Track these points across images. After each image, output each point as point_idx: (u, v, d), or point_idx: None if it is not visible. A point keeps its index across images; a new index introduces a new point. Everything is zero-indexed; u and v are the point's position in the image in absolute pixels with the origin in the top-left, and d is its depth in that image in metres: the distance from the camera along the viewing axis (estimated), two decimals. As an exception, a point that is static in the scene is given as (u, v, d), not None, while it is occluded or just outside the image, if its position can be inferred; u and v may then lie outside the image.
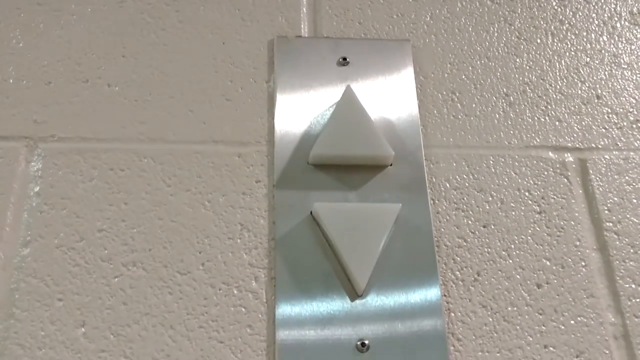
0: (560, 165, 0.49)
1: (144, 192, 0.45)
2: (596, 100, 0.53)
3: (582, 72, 0.54)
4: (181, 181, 0.45)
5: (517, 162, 0.49)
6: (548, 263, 0.45)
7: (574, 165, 0.50)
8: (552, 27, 0.56)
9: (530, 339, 0.42)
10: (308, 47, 0.52)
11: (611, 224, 0.47)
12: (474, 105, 0.51)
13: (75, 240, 0.42)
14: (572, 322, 0.43)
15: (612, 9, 0.58)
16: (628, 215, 0.48)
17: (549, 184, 0.48)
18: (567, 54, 0.55)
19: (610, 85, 0.54)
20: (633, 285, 0.45)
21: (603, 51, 0.56)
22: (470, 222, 0.46)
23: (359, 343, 0.40)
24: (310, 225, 0.44)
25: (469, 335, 0.42)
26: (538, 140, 0.50)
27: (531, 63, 0.54)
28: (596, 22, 0.57)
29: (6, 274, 0.41)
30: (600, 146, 0.51)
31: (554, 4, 0.58)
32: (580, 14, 0.57)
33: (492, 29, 0.56)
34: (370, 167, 0.46)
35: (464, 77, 0.53)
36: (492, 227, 0.46)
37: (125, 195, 0.44)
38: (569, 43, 0.56)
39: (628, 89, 0.54)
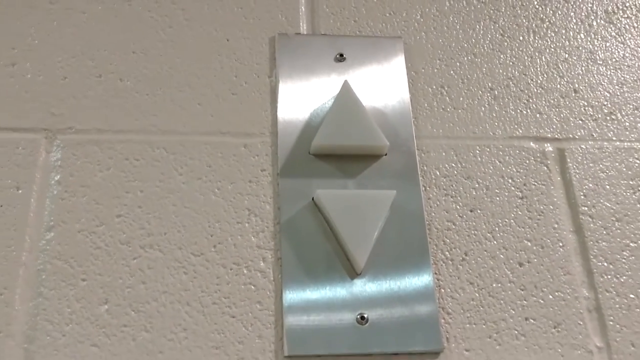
0: (541, 155, 0.54)
1: (157, 180, 0.48)
2: (574, 94, 0.57)
3: (561, 68, 0.59)
4: (192, 170, 0.49)
5: (501, 152, 0.53)
6: (529, 244, 0.50)
7: (553, 155, 0.54)
8: (534, 25, 0.61)
9: (513, 312, 0.47)
10: (307, 43, 0.55)
11: (586, 208, 0.52)
12: (461, 99, 0.55)
13: (95, 225, 0.46)
14: (551, 296, 0.48)
15: (589, 8, 0.62)
16: (602, 200, 0.52)
17: (530, 171, 0.53)
18: (547, 50, 0.59)
19: (586, 80, 0.58)
20: (605, 264, 0.49)
21: (580, 48, 0.60)
22: (458, 206, 0.50)
23: (359, 316, 0.44)
24: (312, 210, 0.48)
25: (457, 309, 0.46)
26: (520, 131, 0.55)
27: (514, 59, 0.58)
28: (574, 20, 0.61)
29: (32, 256, 0.44)
30: (577, 137, 0.55)
31: (536, 3, 0.62)
32: (560, 13, 0.62)
33: (477, 26, 0.60)
34: (367, 157, 0.50)
35: (452, 72, 0.57)
36: (479, 211, 0.50)
37: (141, 183, 0.48)
38: (549, 40, 0.60)
39: (603, 83, 0.58)
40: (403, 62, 0.55)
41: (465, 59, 0.57)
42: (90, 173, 0.48)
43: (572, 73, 0.58)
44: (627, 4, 0.63)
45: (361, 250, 0.46)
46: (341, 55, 0.55)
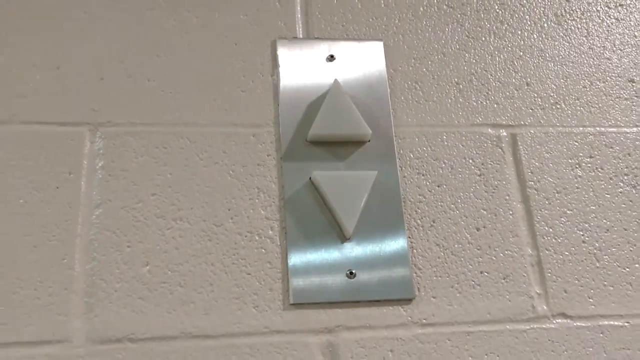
0: (497, 139, 0.65)
1: (183, 164, 0.59)
2: (526, 87, 0.68)
3: (516, 64, 0.70)
4: (211, 156, 0.60)
5: (464, 137, 0.65)
6: (485, 212, 0.61)
7: (507, 139, 0.65)
8: (494, 27, 0.71)
9: (471, 267, 0.59)
10: (303, 46, 0.66)
11: (532, 183, 0.63)
12: (431, 92, 0.66)
13: (135, 202, 0.57)
14: (501, 254, 0.60)
15: (541, 11, 0.73)
16: (545, 176, 0.64)
17: (487, 153, 0.64)
18: (505, 49, 0.70)
19: (537, 75, 0.69)
20: (546, 228, 0.61)
21: (533, 47, 0.71)
22: (428, 183, 0.62)
23: (348, 272, 0.56)
24: (310, 188, 0.59)
25: (426, 265, 0.58)
26: (480, 119, 0.66)
27: (477, 57, 0.69)
28: (528, 22, 0.72)
29: (86, 228, 0.55)
30: (527, 123, 0.66)
31: (496, 7, 0.72)
32: (517, 16, 0.72)
33: (447, 29, 0.70)
34: (353, 143, 0.61)
35: (424, 69, 0.67)
36: (444, 186, 0.62)
37: (169, 167, 0.59)
38: (506, 40, 0.71)
39: (550, 77, 0.69)
40: (384, 61, 0.66)
41: (436, 57, 0.68)
42: (127, 159, 0.58)
43: (525, 69, 0.69)
44: (574, 8, 0.74)
45: (349, 220, 0.57)
46: (332, 56, 0.65)
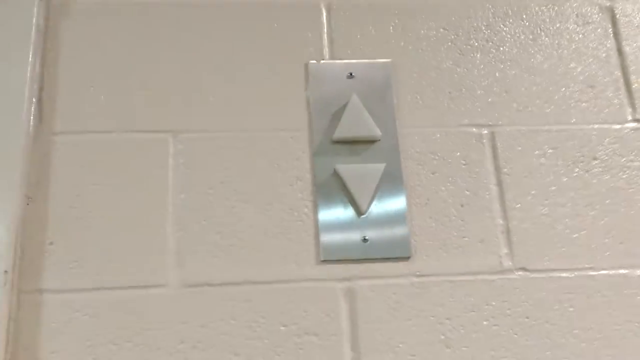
0: (479, 136, 0.84)
1: (241, 160, 0.80)
2: (504, 94, 0.87)
3: (497, 75, 0.88)
4: (261, 153, 0.81)
5: (453, 135, 0.84)
6: (468, 192, 0.81)
7: (487, 136, 0.84)
8: (481, 45, 0.90)
9: (455, 234, 0.79)
10: (328, 67, 0.86)
11: (506, 170, 0.83)
12: (428, 101, 0.86)
13: (208, 189, 0.78)
14: (479, 224, 0.79)
15: (520, 30, 0.91)
16: (516, 164, 0.83)
17: (471, 147, 0.84)
18: (489, 63, 0.89)
19: (514, 84, 0.88)
20: (514, 204, 0.81)
21: (512, 60, 0.89)
22: (424, 171, 0.82)
23: (363, 238, 0.77)
24: (335, 176, 0.80)
25: (421, 232, 0.78)
26: (466, 121, 0.85)
27: (466, 70, 0.88)
28: (509, 40, 0.91)
29: (174, 208, 0.77)
30: (504, 123, 0.85)
31: (483, 28, 0.91)
32: (500, 35, 0.91)
33: (442, 48, 0.89)
34: (367, 142, 0.82)
35: (423, 82, 0.87)
36: (437, 174, 0.82)
37: (231, 162, 0.80)
38: (490, 55, 0.89)
39: (525, 85, 0.88)
40: (391, 78, 0.86)
41: (432, 72, 0.88)
42: (203, 156, 0.80)
43: (505, 79, 0.88)
44: (548, 27, 0.92)
45: (364, 200, 0.78)
46: (351, 74, 0.85)
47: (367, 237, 0.77)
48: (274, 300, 0.74)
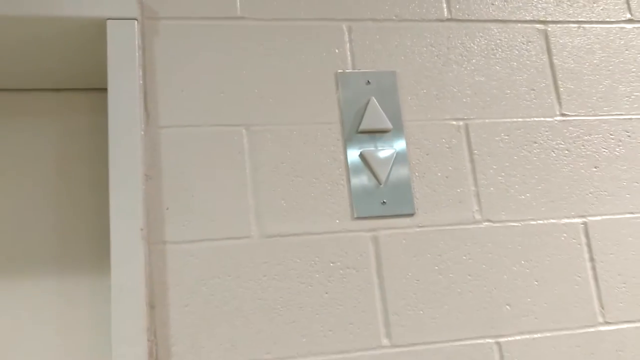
0: (457, 127, 1.19)
1: (295, 146, 1.11)
2: (474, 96, 1.22)
3: (472, 82, 1.23)
4: (305, 141, 1.12)
5: (439, 126, 1.19)
6: (450, 168, 1.17)
7: (463, 127, 1.19)
8: (458, 58, 1.24)
9: (443, 197, 1.15)
10: (352, 76, 1.17)
11: (476, 151, 1.18)
12: (422, 101, 1.19)
13: (273, 168, 1.10)
14: (458, 190, 1.16)
15: (485, 44, 1.26)
16: (482, 147, 1.19)
17: (452, 135, 1.19)
18: (464, 72, 1.23)
19: (481, 88, 1.23)
20: (483, 175, 1.17)
21: (480, 70, 1.24)
22: (421, 153, 1.17)
23: (382, 201, 1.11)
24: (361, 158, 1.13)
25: (420, 197, 1.14)
26: (448, 115, 1.20)
27: (447, 78, 1.22)
28: (477, 54, 1.25)
29: (251, 181, 1.08)
30: (474, 117, 1.21)
31: (459, 46, 1.25)
32: (467, 53, 1.25)
33: (430, 60, 1.22)
34: (382, 132, 1.15)
35: (418, 87, 1.20)
36: (430, 154, 1.16)
37: (288, 148, 1.11)
38: (464, 67, 1.24)
39: (485, 88, 1.23)
40: (397, 85, 1.19)
41: (424, 79, 1.21)
42: (267, 144, 1.11)
43: (476, 85, 1.23)
44: (504, 45, 1.27)
45: (382, 175, 1.12)
46: (368, 82, 1.17)
47: (385, 201, 1.12)
48: (324, 246, 1.08)
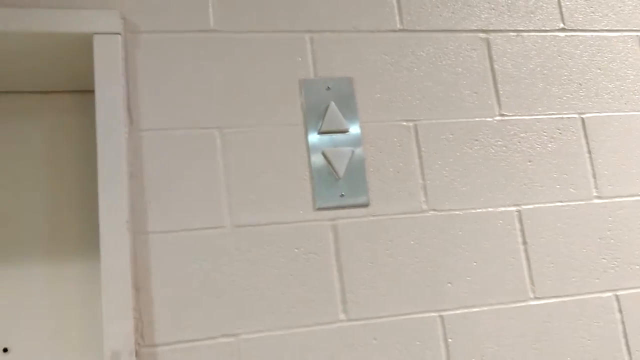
0: (407, 127, 1.34)
1: (263, 145, 1.26)
2: (423, 99, 1.37)
3: (418, 87, 1.38)
4: (276, 141, 1.27)
5: (392, 127, 1.34)
6: (401, 164, 1.32)
7: (413, 128, 1.35)
8: (408, 66, 1.39)
9: (394, 189, 1.30)
10: (313, 82, 1.32)
11: (424, 149, 1.34)
12: (376, 104, 1.34)
13: (243, 164, 1.24)
14: (406, 183, 1.31)
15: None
16: (429, 145, 1.35)
17: (403, 134, 1.34)
18: (414, 79, 1.38)
19: (431, 91, 1.38)
20: (428, 170, 1.33)
21: (427, 76, 1.39)
22: (375, 151, 1.32)
23: (340, 194, 1.26)
24: (324, 156, 1.28)
25: (375, 190, 1.29)
26: (399, 117, 1.35)
27: (398, 84, 1.37)
28: (427, 62, 1.40)
29: (227, 185, 1.23)
30: (424, 119, 1.36)
31: (409, 54, 1.39)
32: (418, 61, 1.40)
33: (383, 68, 1.37)
34: (340, 132, 1.30)
35: (372, 92, 1.35)
36: (383, 152, 1.32)
37: (258, 147, 1.26)
38: (414, 73, 1.39)
39: (431, 91, 1.38)
40: (354, 90, 1.33)
41: (378, 85, 1.36)
42: (239, 146, 1.25)
43: (423, 89, 1.38)
44: (450, 52, 1.42)
45: (340, 169, 1.27)
46: (328, 87, 1.32)
47: (343, 193, 1.27)
48: (289, 234, 1.23)
